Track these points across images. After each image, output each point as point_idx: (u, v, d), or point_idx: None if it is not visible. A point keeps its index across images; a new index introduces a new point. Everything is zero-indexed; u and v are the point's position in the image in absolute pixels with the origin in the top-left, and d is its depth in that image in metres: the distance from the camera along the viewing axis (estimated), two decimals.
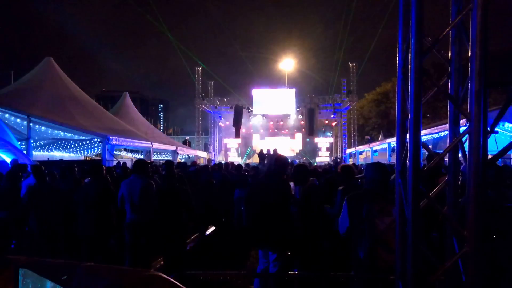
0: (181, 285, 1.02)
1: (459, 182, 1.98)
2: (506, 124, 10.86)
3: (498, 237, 2.52)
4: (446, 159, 2.12)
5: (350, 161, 25.29)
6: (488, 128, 1.62)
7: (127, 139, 16.37)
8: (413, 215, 1.72)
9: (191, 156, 26.18)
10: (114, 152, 15.43)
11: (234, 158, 27.79)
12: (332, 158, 26.10)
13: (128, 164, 12.97)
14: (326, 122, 31.30)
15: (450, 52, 1.96)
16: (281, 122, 30.45)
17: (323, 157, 28.08)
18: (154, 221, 5.13)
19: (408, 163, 1.75)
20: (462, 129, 1.79)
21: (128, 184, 5.19)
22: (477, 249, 1.59)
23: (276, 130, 30.87)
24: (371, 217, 2.81)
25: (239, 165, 10.05)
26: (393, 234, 2.72)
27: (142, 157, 22.23)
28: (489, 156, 1.66)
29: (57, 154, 20.66)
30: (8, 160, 9.63)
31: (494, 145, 10.24)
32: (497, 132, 10.47)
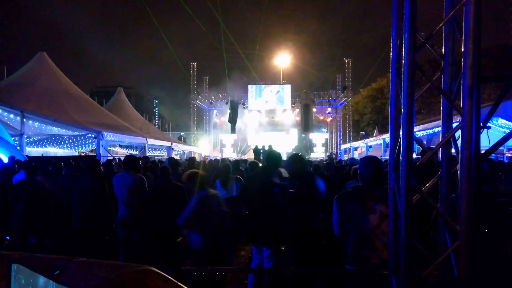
0: (175, 280, 1.02)
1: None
2: (500, 119, 10.94)
3: (491, 231, 2.55)
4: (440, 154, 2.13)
5: (345, 157, 25.39)
6: (481, 124, 1.63)
7: (121, 135, 16.31)
8: (406, 210, 1.73)
9: (186, 152, 26.15)
10: (109, 148, 15.36)
11: (230, 154, 27.79)
12: (327, 153, 26.17)
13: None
14: (322, 118, 31.35)
15: (443, 47, 1.97)
16: (277, 118, 30.44)
17: (318, 153, 28.15)
18: (146, 216, 5.13)
19: (401, 158, 1.76)
20: (455, 124, 1.80)
21: (119, 180, 5.18)
22: (469, 243, 1.61)
23: (271, 126, 30.87)
24: (356, 216, 2.84)
25: (237, 161, 10.04)
26: (378, 233, 2.76)
27: (137, 153, 22.17)
28: (482, 151, 1.68)
29: (51, 150, 20.55)
30: (2, 156, 9.57)
31: (487, 140, 10.32)
32: (489, 128, 10.54)
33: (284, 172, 4.36)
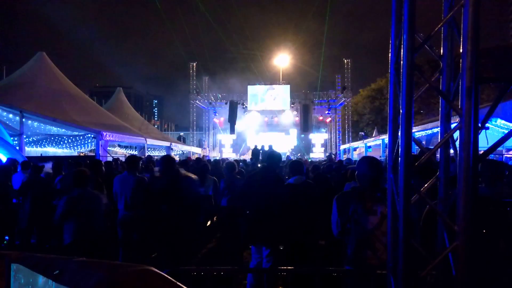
0: (173, 280, 1.02)
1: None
2: (499, 120, 10.96)
3: (490, 232, 2.54)
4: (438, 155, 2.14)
5: (345, 157, 25.41)
6: (479, 124, 1.64)
7: (121, 135, 16.31)
8: (404, 210, 1.74)
9: (185, 152, 26.16)
10: (108, 148, 15.35)
11: (229, 154, 27.79)
12: (327, 154, 26.19)
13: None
14: (321, 118, 31.38)
15: (442, 48, 1.97)
16: (276, 118, 30.46)
17: (318, 153, 28.17)
18: (147, 217, 5.13)
19: (399, 158, 1.76)
20: (454, 125, 1.81)
21: (121, 181, 5.18)
22: (467, 243, 1.61)
23: (270, 126, 30.88)
24: (357, 217, 2.83)
25: (236, 161, 10.03)
26: (378, 234, 2.76)
27: (136, 153, 22.17)
28: (480, 152, 1.68)
29: (50, 150, 20.54)
30: (1, 156, 9.57)
31: (485, 141, 10.34)
32: (488, 128, 10.57)
33: (156, 170, 4.89)
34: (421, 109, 35.35)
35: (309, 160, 20.51)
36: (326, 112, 30.36)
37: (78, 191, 4.13)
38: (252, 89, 29.03)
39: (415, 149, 9.73)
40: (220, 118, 31.38)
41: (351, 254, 2.91)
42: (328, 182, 5.72)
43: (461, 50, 1.62)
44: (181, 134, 44.90)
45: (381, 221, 2.74)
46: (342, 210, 2.95)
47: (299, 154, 27.73)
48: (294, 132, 30.44)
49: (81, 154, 21.62)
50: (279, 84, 29.97)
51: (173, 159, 4.80)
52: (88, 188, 4.26)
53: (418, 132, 15.59)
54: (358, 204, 2.84)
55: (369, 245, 2.78)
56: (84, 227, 4.07)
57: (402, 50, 1.74)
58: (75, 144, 19.86)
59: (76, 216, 4.04)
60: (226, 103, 29.05)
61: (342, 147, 29.53)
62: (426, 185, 1.86)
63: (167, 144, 22.43)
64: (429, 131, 15.47)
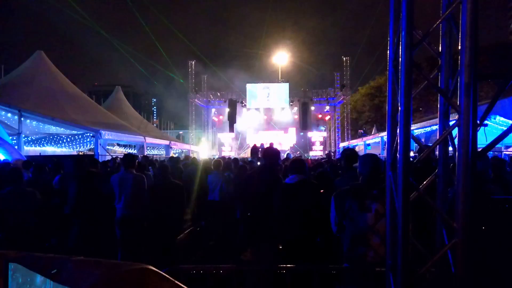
0: (172, 279, 1.02)
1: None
2: (498, 117, 10.98)
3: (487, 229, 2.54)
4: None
5: None
6: (478, 121, 1.63)
7: (119, 134, 16.30)
8: (403, 208, 1.74)
9: (184, 150, 26.16)
10: (107, 147, 15.34)
11: (228, 152, 27.76)
12: (326, 152, 26.18)
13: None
14: (320, 116, 31.37)
15: (440, 45, 1.97)
16: (275, 117, 30.43)
17: (317, 151, 28.18)
18: (146, 215, 5.12)
19: (398, 156, 1.76)
20: (453, 122, 1.80)
21: (119, 179, 5.14)
22: (466, 240, 1.61)
23: (270, 124, 30.86)
24: (351, 214, 2.84)
25: (236, 159, 10.05)
26: (373, 231, 2.76)
27: (135, 151, 22.16)
28: (479, 149, 1.68)
29: (49, 149, 20.52)
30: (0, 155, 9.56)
31: (484, 138, 10.37)
32: (486, 125, 10.60)
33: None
34: (420, 106, 35.37)
35: (309, 158, 20.51)
36: (325, 110, 30.37)
37: (8, 188, 4.18)
38: (251, 87, 28.98)
39: (414, 146, 9.75)
40: (219, 117, 31.35)
41: (347, 251, 2.92)
42: (330, 180, 5.71)
43: (459, 47, 1.61)
44: (180, 132, 44.85)
45: (376, 219, 2.75)
46: (339, 207, 2.97)
47: (298, 152, 27.71)
48: (293, 130, 30.43)
49: (80, 153, 21.60)
50: (278, 82, 29.93)
51: (82, 160, 4.96)
52: (20, 185, 4.31)
53: (417, 129, 15.61)
54: (354, 201, 2.85)
55: (364, 242, 2.79)
56: (12, 224, 4.11)
57: (400, 47, 1.74)
58: (74, 143, 19.83)
59: (4, 212, 4.09)
60: (225, 102, 29.00)
61: (341, 145, 29.52)
62: (425, 182, 1.86)
63: (166, 142, 22.44)
64: (428, 129, 15.49)
